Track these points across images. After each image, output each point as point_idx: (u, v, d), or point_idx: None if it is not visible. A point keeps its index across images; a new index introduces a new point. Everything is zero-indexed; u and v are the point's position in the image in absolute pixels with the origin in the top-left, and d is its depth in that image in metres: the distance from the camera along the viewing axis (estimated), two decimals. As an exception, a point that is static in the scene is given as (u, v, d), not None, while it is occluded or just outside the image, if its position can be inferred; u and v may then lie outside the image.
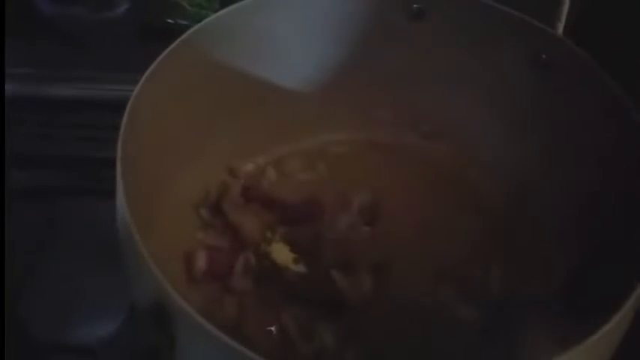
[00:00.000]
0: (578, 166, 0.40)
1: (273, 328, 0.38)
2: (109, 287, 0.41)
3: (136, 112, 0.34)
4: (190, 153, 0.41)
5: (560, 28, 0.40)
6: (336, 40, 0.45)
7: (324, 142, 0.47)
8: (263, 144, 0.46)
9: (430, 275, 0.41)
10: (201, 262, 0.40)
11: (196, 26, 0.39)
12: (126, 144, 0.33)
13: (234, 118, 0.44)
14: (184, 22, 0.56)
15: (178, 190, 0.41)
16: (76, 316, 0.42)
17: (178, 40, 0.38)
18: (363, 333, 0.38)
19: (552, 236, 0.41)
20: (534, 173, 0.43)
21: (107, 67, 0.56)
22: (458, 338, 0.38)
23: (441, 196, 0.45)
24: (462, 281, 0.40)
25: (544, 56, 0.40)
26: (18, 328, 0.40)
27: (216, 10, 0.54)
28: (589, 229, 0.38)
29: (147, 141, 0.35)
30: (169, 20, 0.57)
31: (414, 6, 0.42)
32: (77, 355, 0.41)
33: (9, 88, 0.45)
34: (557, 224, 0.41)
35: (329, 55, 0.45)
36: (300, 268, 0.41)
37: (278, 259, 0.41)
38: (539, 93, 0.41)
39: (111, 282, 0.39)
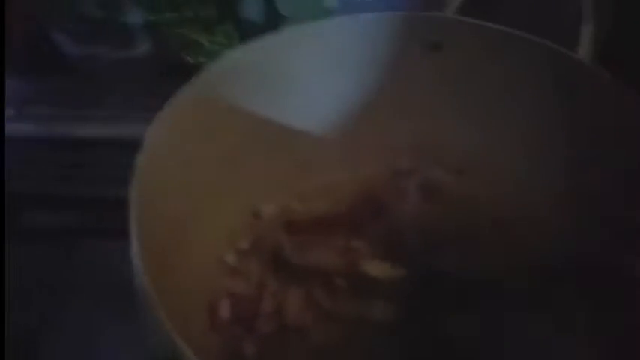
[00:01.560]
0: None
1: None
2: (125, 336, 0.39)
3: (151, 152, 0.33)
4: (210, 196, 0.40)
5: (583, 52, 0.39)
6: (357, 77, 0.43)
7: (347, 178, 0.45)
8: (285, 184, 0.44)
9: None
10: (224, 310, 0.39)
11: (214, 63, 0.38)
12: (140, 186, 0.31)
13: (255, 158, 0.42)
14: (203, 60, 0.55)
15: (198, 236, 0.39)
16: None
17: (194, 78, 0.37)
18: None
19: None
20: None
21: (127, 106, 0.56)
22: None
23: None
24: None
25: (567, 81, 0.38)
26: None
27: (237, 48, 0.53)
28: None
29: (163, 183, 0.34)
30: (189, 58, 0.56)
31: (432, 38, 0.41)
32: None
33: (29, 128, 0.44)
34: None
35: (350, 91, 0.44)
36: (400, 270, 0.40)
37: (376, 273, 0.40)
38: (563, 118, 0.39)
39: (128, 331, 0.37)
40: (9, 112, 0.54)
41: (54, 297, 0.45)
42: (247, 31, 0.56)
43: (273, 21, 0.55)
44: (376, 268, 0.40)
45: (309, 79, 0.42)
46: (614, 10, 0.55)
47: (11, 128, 0.52)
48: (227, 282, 0.40)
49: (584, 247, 0.39)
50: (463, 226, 0.43)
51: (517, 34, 0.39)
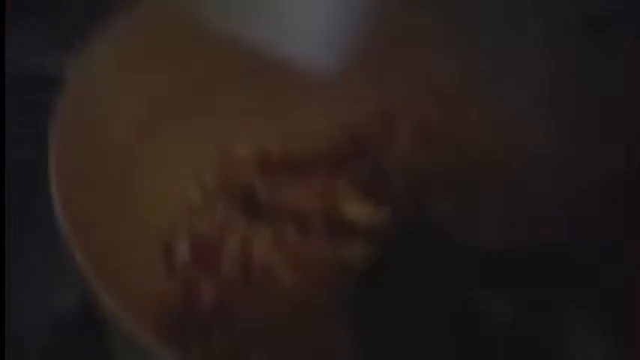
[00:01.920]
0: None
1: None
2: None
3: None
4: (176, 132, 0.36)
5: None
6: (340, 4, 0.40)
7: (329, 117, 0.41)
8: (260, 122, 0.40)
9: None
10: (183, 251, 0.35)
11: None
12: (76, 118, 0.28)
13: (227, 92, 0.38)
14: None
15: (159, 173, 0.35)
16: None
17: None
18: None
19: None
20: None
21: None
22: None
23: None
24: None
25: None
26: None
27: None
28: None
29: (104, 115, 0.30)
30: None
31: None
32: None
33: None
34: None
35: (333, 20, 0.40)
36: (385, 210, 0.37)
37: (356, 215, 0.37)
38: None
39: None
40: None
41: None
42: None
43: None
44: (356, 210, 0.37)
45: (286, 4, 0.39)
46: None
47: None
48: (189, 222, 0.37)
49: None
50: (456, 169, 0.39)
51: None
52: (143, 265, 0.34)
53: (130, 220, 0.32)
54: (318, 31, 0.40)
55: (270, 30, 0.39)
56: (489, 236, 0.36)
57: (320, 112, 0.41)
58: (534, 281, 0.34)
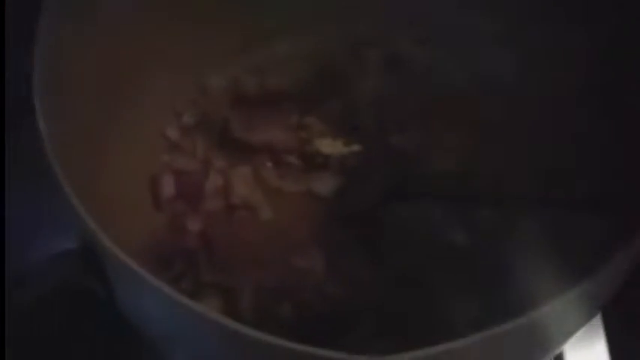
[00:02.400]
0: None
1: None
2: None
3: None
4: (151, 67, 0.37)
5: None
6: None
7: (303, 49, 0.43)
8: (235, 54, 0.41)
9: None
10: (168, 187, 0.38)
11: None
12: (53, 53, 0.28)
13: (198, 22, 0.38)
14: None
15: (138, 111, 0.36)
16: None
17: None
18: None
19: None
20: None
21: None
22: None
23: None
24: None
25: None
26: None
27: None
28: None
29: (93, 45, 0.31)
30: None
31: None
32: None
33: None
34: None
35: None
36: (356, 147, 0.39)
37: (329, 151, 0.39)
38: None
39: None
40: None
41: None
42: None
43: None
44: (329, 146, 0.39)
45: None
46: None
47: None
48: (170, 158, 0.39)
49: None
50: (427, 102, 0.41)
51: None
52: (132, 200, 0.36)
53: (114, 154, 0.34)
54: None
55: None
56: (448, 165, 0.39)
57: (293, 44, 0.42)
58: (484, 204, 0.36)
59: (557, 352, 0.33)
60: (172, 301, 0.21)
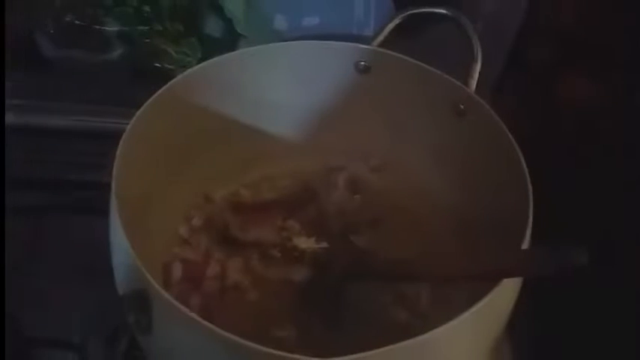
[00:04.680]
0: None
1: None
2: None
3: (128, 142, 0.42)
4: (171, 181, 0.49)
5: (473, 85, 0.49)
6: (303, 90, 0.53)
7: (288, 172, 0.56)
8: (235, 174, 0.54)
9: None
10: (176, 271, 0.48)
11: (180, 75, 0.47)
12: (118, 170, 0.40)
13: (209, 150, 0.52)
14: (170, 67, 0.65)
15: (158, 213, 0.48)
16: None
17: (165, 86, 0.46)
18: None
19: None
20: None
21: (101, 102, 0.64)
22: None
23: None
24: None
25: (462, 106, 0.48)
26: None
27: (199, 58, 0.63)
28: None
29: (134, 168, 0.42)
30: (157, 64, 0.66)
31: (362, 63, 0.51)
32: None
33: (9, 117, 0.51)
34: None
35: (296, 101, 0.54)
36: (324, 244, 0.50)
37: (304, 246, 0.49)
38: (456, 133, 0.50)
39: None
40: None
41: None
42: (209, 45, 0.65)
43: (231, 37, 0.65)
44: (304, 242, 0.50)
45: (259, 91, 0.52)
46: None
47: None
48: (180, 250, 0.50)
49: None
50: (378, 213, 0.54)
51: (426, 67, 0.49)
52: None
53: (140, 247, 0.44)
54: (277, 109, 0.54)
55: (241, 109, 0.53)
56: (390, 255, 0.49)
57: (281, 168, 0.55)
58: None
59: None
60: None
